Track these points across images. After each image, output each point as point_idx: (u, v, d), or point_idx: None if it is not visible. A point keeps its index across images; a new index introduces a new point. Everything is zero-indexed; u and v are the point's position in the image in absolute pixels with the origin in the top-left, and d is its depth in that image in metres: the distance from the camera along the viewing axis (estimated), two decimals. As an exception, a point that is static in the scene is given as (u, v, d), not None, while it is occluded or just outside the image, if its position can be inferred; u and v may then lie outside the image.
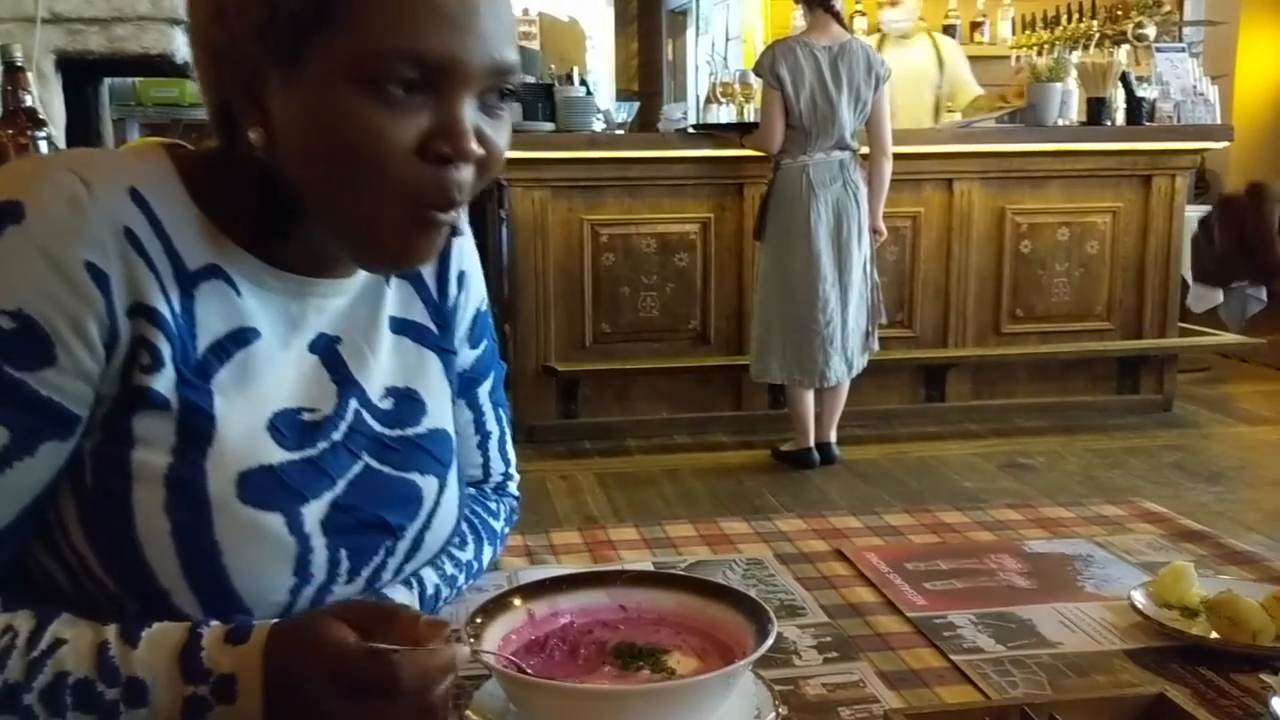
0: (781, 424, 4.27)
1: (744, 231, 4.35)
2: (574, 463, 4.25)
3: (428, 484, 0.90)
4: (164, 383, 0.76)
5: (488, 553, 1.03)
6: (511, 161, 4.33)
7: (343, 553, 0.84)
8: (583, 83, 4.90)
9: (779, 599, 1.01)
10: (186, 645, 0.71)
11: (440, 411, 0.93)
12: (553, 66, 5.24)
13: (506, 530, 1.09)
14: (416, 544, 0.90)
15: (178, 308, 0.77)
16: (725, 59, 6.65)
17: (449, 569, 0.97)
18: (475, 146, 0.74)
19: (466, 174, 0.75)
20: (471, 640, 0.77)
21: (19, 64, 1.96)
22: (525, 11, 6.28)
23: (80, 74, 2.86)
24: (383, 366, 0.89)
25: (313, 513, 0.81)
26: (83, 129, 2.80)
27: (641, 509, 3.73)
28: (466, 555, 1.00)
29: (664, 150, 4.42)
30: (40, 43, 2.62)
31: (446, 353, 0.95)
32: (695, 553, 1.13)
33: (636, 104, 5.58)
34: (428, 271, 0.94)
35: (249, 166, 0.78)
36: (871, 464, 4.23)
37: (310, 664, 0.69)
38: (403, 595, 0.90)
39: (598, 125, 4.64)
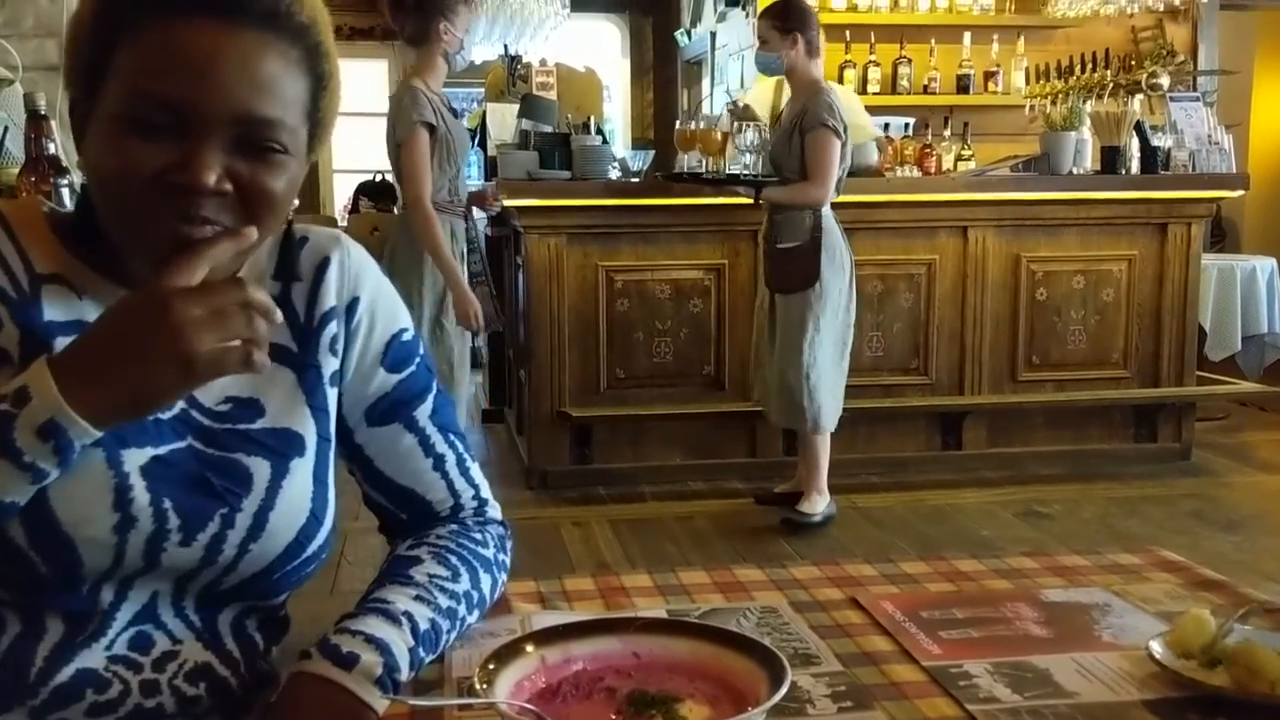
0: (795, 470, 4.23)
1: (759, 277, 4.35)
2: (588, 508, 4.23)
3: (257, 464, 0.94)
4: (9, 341, 0.87)
5: (486, 581, 1.04)
6: (528, 209, 4.37)
7: (167, 503, 0.89)
8: (599, 131, 4.94)
9: (793, 647, 1.00)
10: None
11: (284, 414, 0.98)
12: (569, 116, 5.29)
13: (503, 557, 1.09)
14: (260, 523, 0.93)
15: (25, 289, 0.90)
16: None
17: (444, 602, 0.97)
18: (211, 180, 0.84)
19: (211, 205, 0.85)
20: (484, 687, 0.76)
21: (42, 112, 1.99)
22: (543, 62, 6.35)
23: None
24: (226, 380, 0.93)
25: (132, 457, 0.88)
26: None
27: (655, 555, 3.72)
28: (462, 586, 1.00)
29: (678, 198, 4.45)
30: (63, 92, 2.67)
31: (307, 366, 1.00)
32: (709, 600, 1.13)
33: (652, 152, 5.62)
34: (299, 300, 1.01)
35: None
36: (887, 511, 4.20)
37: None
38: (385, 629, 0.90)
39: (613, 173, 4.67)
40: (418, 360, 1.07)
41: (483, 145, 6.49)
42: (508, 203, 4.40)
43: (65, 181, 1.97)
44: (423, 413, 1.06)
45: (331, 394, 1.01)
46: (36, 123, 1.98)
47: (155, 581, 0.91)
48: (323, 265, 1.02)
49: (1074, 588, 1.16)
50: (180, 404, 0.92)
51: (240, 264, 0.92)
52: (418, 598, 0.95)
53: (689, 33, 8.02)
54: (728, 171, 4.17)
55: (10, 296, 0.89)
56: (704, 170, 4.22)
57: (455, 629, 0.98)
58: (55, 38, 2.68)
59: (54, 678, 0.88)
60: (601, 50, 8.45)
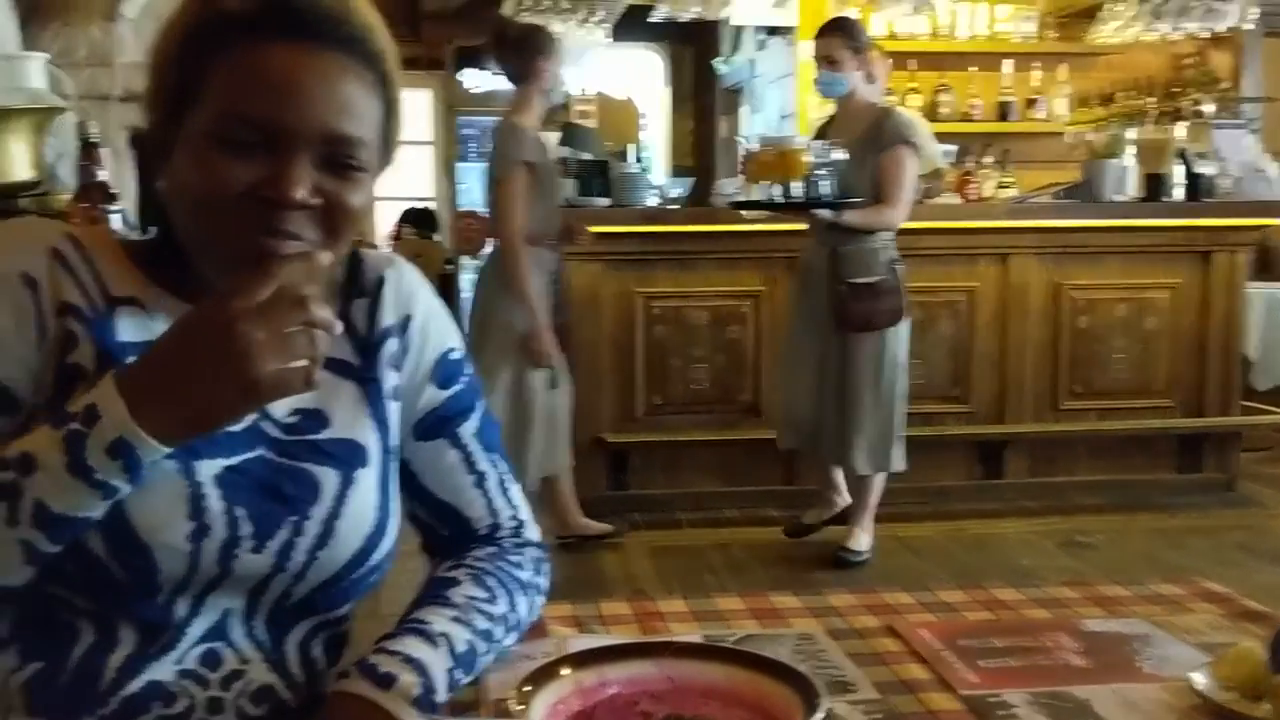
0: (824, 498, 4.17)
1: (795, 311, 4.30)
2: (621, 525, 4.22)
3: (325, 474, 0.96)
4: (85, 357, 0.90)
5: (523, 604, 1.04)
6: (566, 235, 4.39)
7: (240, 511, 0.91)
8: (638, 159, 4.97)
9: (829, 674, 1.00)
10: (53, 410, 0.85)
11: (349, 426, 1.00)
12: (609, 144, 5.32)
13: (540, 580, 1.09)
14: (329, 531, 0.95)
15: (101, 310, 0.92)
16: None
17: (481, 624, 0.98)
18: (301, 194, 0.88)
19: (297, 219, 0.88)
20: (519, 709, 0.77)
21: (94, 140, 2.04)
22: (583, 91, 6.42)
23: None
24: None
25: (206, 467, 0.91)
26: (153, 203, 2.88)
27: (691, 582, 3.70)
28: (500, 609, 1.01)
29: (716, 224, 4.46)
30: (115, 120, 2.72)
31: (366, 380, 1.02)
32: (745, 626, 1.13)
33: (691, 179, 5.64)
34: (359, 317, 1.04)
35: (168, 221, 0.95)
36: (925, 541, 4.17)
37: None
38: (424, 650, 0.91)
39: (652, 200, 4.70)
40: (465, 378, 1.09)
41: (523, 172, 6.52)
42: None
43: (115, 208, 2.01)
44: (467, 429, 1.08)
45: (393, 408, 1.04)
46: (88, 151, 2.03)
47: (229, 596, 0.93)
48: (380, 283, 1.05)
49: (1114, 618, 1.15)
50: (250, 418, 0.94)
51: (315, 280, 0.93)
52: (455, 619, 0.96)
53: (728, 61, 8.05)
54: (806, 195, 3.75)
55: (87, 316, 0.91)
56: (776, 195, 3.73)
57: (491, 651, 0.98)
58: (107, 68, 2.74)
59: (124, 688, 0.89)
60: (642, 78, 8.49)
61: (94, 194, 2.00)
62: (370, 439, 1.00)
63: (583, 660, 0.86)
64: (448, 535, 1.09)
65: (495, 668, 0.99)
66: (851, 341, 3.76)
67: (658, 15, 6.14)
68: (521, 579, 1.06)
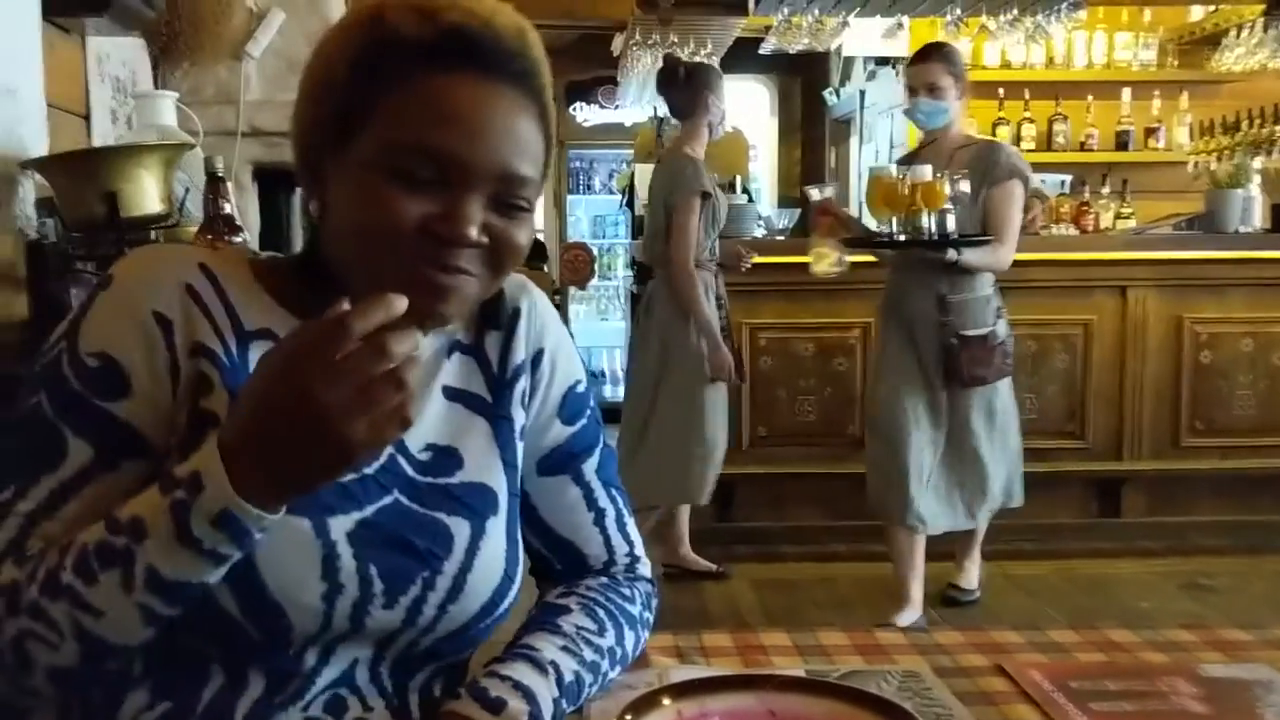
0: (954, 533, 4.00)
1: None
2: (728, 566, 4.20)
3: (457, 525, 0.95)
4: (219, 404, 0.88)
5: (630, 638, 1.04)
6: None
7: (373, 569, 0.90)
8: (745, 190, 4.98)
9: (935, 713, 0.98)
10: (162, 472, 0.82)
11: (481, 468, 0.99)
12: (716, 175, 5.34)
13: (647, 615, 1.09)
14: (459, 584, 0.94)
15: (233, 351, 0.91)
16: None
17: (589, 655, 0.97)
18: (474, 234, 0.86)
19: (468, 255, 0.87)
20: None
21: (220, 174, 2.12)
22: (691, 122, 6.44)
23: (275, 184, 3.07)
24: (427, 425, 0.97)
25: (339, 524, 0.89)
26: (274, 235, 2.99)
27: (795, 616, 3.67)
28: (607, 641, 1.00)
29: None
30: (240, 155, 2.83)
31: (497, 418, 1.01)
32: (848, 662, 1.11)
33: (798, 210, 5.62)
34: (492, 349, 1.03)
35: (310, 249, 0.95)
36: (1038, 580, 4.06)
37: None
38: (533, 677, 0.91)
39: (758, 231, 4.69)
40: (589, 412, 1.09)
41: (630, 205, 6.60)
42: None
43: (239, 239, 2.08)
44: (590, 466, 1.08)
45: (520, 448, 1.03)
46: (214, 184, 2.10)
47: (358, 646, 0.92)
48: (514, 315, 1.04)
49: (1236, 663, 1.10)
50: (386, 453, 0.93)
51: (466, 312, 0.93)
52: (564, 648, 0.96)
53: (838, 92, 8.02)
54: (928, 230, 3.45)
55: (221, 360, 0.89)
56: (894, 230, 3.52)
57: (597, 683, 0.98)
58: (232, 105, 2.85)
59: None
60: (750, 110, 8.51)
61: (219, 226, 2.07)
62: (500, 483, 0.99)
63: (684, 691, 0.86)
64: (560, 568, 1.09)
65: (597, 697, 0.99)
66: (959, 395, 3.53)
67: (767, 47, 6.15)
68: (631, 613, 1.06)
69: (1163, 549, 4.38)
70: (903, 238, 3.45)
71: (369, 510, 0.91)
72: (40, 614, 0.80)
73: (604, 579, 1.08)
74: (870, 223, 3.86)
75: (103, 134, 2.44)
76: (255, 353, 0.91)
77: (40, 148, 2.01)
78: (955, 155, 3.54)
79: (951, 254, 3.39)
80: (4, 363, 1.82)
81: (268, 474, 0.77)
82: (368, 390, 0.74)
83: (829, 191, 3.91)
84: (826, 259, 3.74)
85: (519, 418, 1.03)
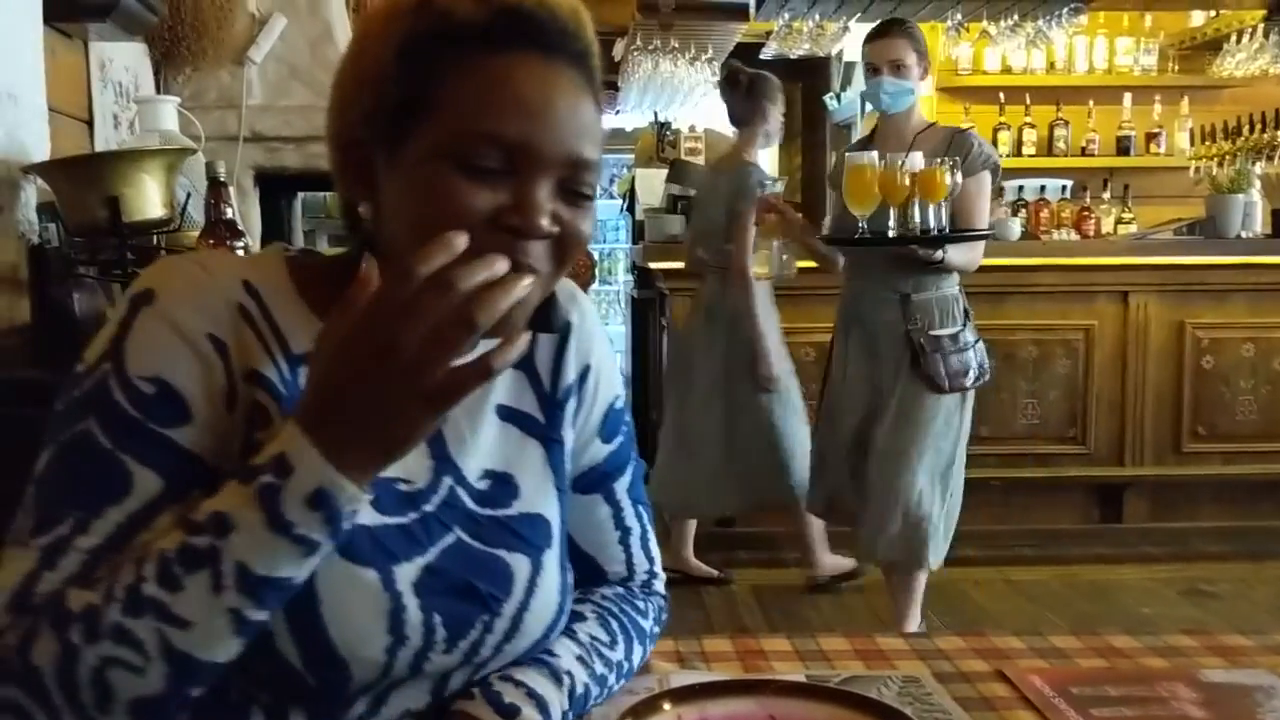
0: (956, 539, 4.00)
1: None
2: (729, 572, 4.20)
3: (517, 562, 0.92)
4: None
5: (638, 653, 1.04)
6: (673, 272, 4.41)
7: (437, 618, 0.86)
8: (747, 195, 4.97)
9: (935, 719, 0.98)
10: (238, 466, 0.77)
11: (536, 497, 0.96)
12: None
13: (656, 630, 1.09)
14: (516, 624, 0.91)
15: (287, 378, 0.85)
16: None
17: (599, 668, 0.97)
18: (546, 224, 0.81)
19: (537, 249, 0.81)
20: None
21: (222, 179, 2.12)
22: (692, 128, 6.45)
23: (276, 188, 3.08)
24: (483, 449, 0.94)
25: (405, 573, 0.86)
26: (277, 239, 2.99)
27: (796, 621, 3.66)
28: (617, 655, 1.00)
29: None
30: (241, 160, 2.83)
31: (552, 441, 0.98)
32: (849, 667, 1.11)
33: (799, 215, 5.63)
34: (543, 364, 1.00)
35: (356, 253, 0.87)
36: (1040, 585, 4.05)
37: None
38: (547, 687, 0.91)
39: (759, 235, 4.67)
40: (625, 429, 1.06)
41: (631, 210, 6.60)
42: (653, 265, 4.45)
43: (241, 244, 2.08)
44: (621, 485, 1.06)
45: (568, 470, 1.00)
46: (216, 189, 2.10)
47: (411, 692, 0.89)
48: (566, 329, 1.00)
49: (1236, 668, 1.10)
50: (446, 485, 0.91)
51: (529, 314, 0.83)
52: (579, 658, 0.95)
53: (838, 97, 8.03)
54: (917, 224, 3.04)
55: (278, 390, 0.84)
56: (865, 227, 3.09)
57: (601, 696, 0.98)
58: (234, 110, 2.86)
59: None
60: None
61: (221, 230, 2.07)
62: (554, 511, 0.97)
63: (684, 696, 0.86)
64: (577, 579, 1.07)
65: (597, 704, 0.99)
66: (917, 407, 3.17)
67: (767, 53, 6.16)
68: (642, 627, 1.05)
69: (1164, 554, 4.38)
70: (893, 233, 3.03)
71: (432, 554, 0.88)
72: (124, 636, 0.73)
73: (620, 589, 1.07)
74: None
75: (105, 139, 2.44)
76: (306, 376, 0.85)
77: (42, 152, 2.02)
78: (916, 141, 3.18)
79: (940, 254, 3.06)
80: (6, 367, 1.82)
81: (356, 441, 0.73)
82: (440, 331, 0.70)
83: (775, 187, 3.93)
84: (769, 261, 3.66)
85: (569, 439, 1.00)
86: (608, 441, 1.04)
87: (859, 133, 7.75)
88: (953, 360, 3.15)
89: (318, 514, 0.73)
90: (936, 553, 3.22)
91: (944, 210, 3.00)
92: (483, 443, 0.94)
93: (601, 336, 1.05)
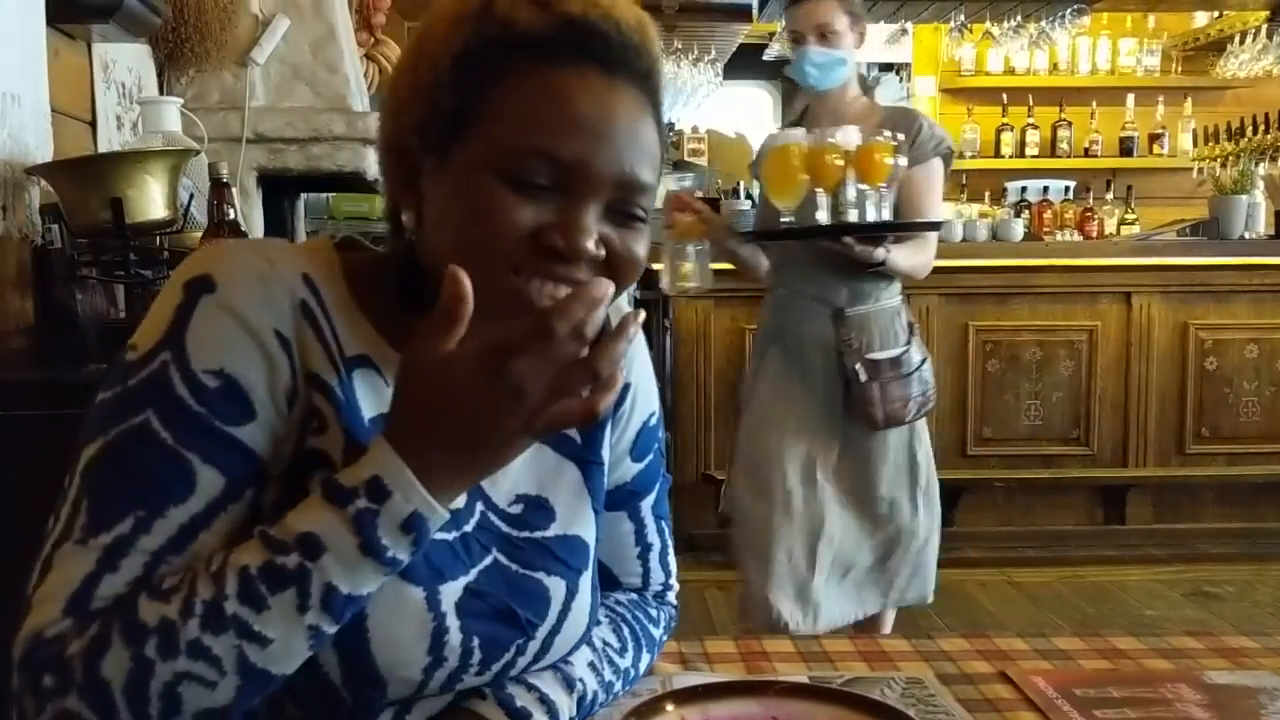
0: (960, 540, 3.97)
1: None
2: (732, 572, 4.17)
3: (554, 585, 0.91)
4: (333, 445, 0.81)
5: (645, 660, 1.03)
6: (677, 272, 4.41)
7: (475, 640, 0.85)
8: (748, 196, 4.98)
9: None
10: (324, 484, 0.75)
11: (571, 519, 0.94)
12: (719, 181, 5.35)
13: (664, 638, 1.08)
14: (546, 646, 0.91)
15: (345, 381, 0.82)
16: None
17: (608, 675, 0.97)
18: (590, 247, 0.78)
19: (579, 272, 0.78)
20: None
21: (224, 180, 2.12)
22: (695, 129, 6.46)
23: (279, 189, 3.08)
24: (514, 473, 0.92)
25: (449, 593, 0.84)
26: (280, 235, 2.99)
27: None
28: (625, 662, 0.99)
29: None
30: (244, 160, 2.83)
31: (588, 463, 0.96)
32: (852, 668, 1.11)
33: (801, 217, 5.64)
34: None
35: (401, 256, 0.85)
36: (1043, 587, 4.05)
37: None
38: (559, 693, 0.91)
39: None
40: (656, 446, 1.05)
41: (635, 210, 6.57)
42: (655, 265, 4.44)
43: (243, 245, 2.08)
44: (647, 503, 1.05)
45: (602, 492, 0.98)
46: (219, 190, 2.11)
47: (434, 703, 0.88)
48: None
49: (1240, 670, 1.10)
50: (478, 509, 0.89)
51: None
52: (591, 665, 0.95)
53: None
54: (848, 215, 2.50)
55: (336, 395, 0.81)
56: (793, 220, 2.52)
57: (605, 702, 0.97)
58: (237, 111, 2.86)
59: None
60: (752, 116, 8.52)
61: (224, 231, 2.07)
62: (590, 533, 0.95)
63: (687, 697, 0.86)
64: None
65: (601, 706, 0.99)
66: (871, 440, 2.66)
67: (770, 54, 6.17)
68: (652, 635, 1.05)
69: (1168, 556, 4.37)
70: (825, 223, 2.48)
71: (474, 573, 0.86)
72: (203, 653, 0.72)
73: (634, 596, 1.07)
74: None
75: (108, 140, 2.44)
76: (359, 382, 0.84)
77: (45, 154, 2.02)
78: (853, 121, 2.57)
79: (881, 252, 2.52)
80: (10, 368, 1.82)
81: (450, 467, 0.73)
82: (568, 377, 0.70)
83: (687, 182, 3.38)
84: (686, 269, 2.69)
85: (605, 459, 0.98)
86: (638, 460, 1.03)
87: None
88: (892, 389, 2.61)
89: (409, 536, 0.73)
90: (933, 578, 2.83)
91: (886, 201, 2.47)
92: (514, 466, 0.90)
93: (643, 355, 1.03)
